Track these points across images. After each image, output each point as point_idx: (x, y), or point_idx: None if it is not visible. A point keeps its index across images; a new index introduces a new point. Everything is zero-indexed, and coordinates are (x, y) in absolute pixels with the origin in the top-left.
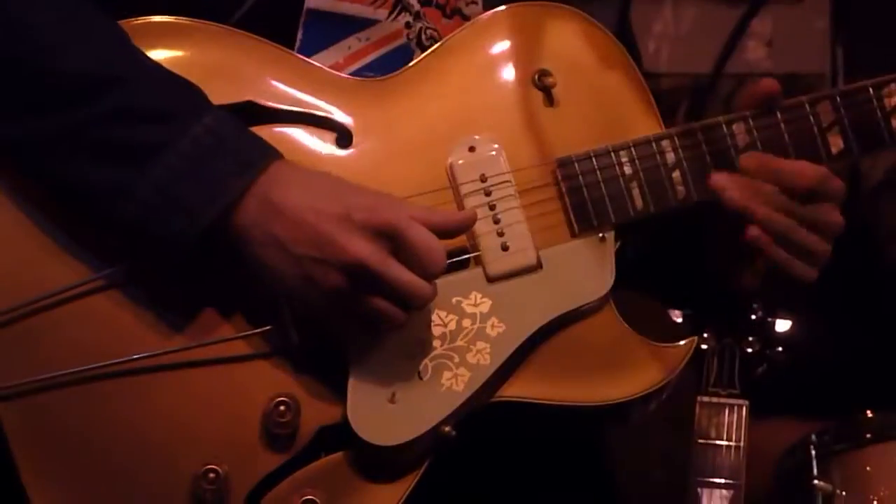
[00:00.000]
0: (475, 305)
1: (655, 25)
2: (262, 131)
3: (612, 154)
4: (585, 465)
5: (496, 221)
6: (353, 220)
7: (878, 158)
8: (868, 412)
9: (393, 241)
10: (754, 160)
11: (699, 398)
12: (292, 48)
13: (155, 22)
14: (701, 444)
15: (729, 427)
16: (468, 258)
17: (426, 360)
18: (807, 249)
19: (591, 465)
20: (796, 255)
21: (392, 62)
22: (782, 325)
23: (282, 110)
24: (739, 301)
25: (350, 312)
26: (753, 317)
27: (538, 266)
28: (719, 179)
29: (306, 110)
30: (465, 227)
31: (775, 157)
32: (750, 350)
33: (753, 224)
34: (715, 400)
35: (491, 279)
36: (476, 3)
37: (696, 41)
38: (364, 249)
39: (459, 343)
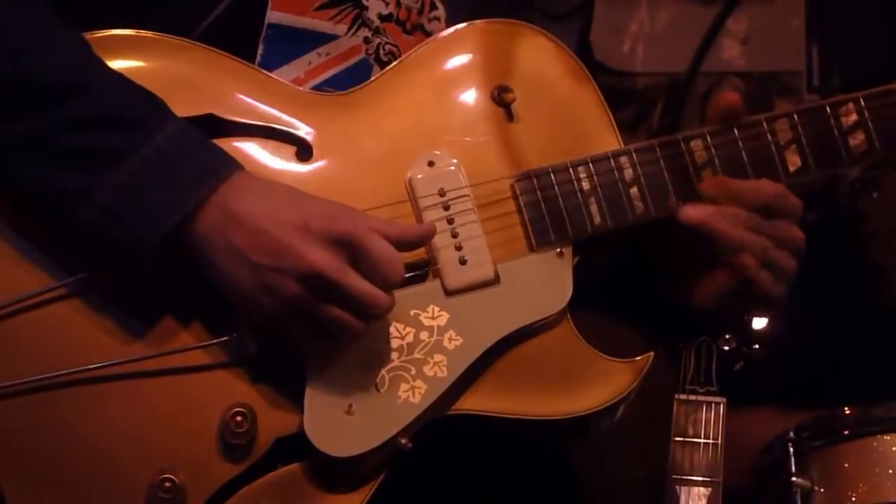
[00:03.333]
0: (433, 318)
1: (631, 25)
2: (223, 144)
3: (571, 169)
4: (552, 474)
5: (454, 235)
6: (310, 230)
7: None
8: (846, 409)
9: (351, 250)
10: (713, 185)
11: (676, 396)
12: (253, 63)
13: (117, 35)
14: (678, 441)
15: (706, 424)
16: (426, 271)
17: (383, 372)
18: (779, 267)
19: (558, 474)
20: (770, 275)
21: (351, 78)
22: (759, 322)
23: (242, 123)
24: (699, 321)
25: (308, 322)
26: None
27: (496, 280)
28: (692, 212)
29: (267, 123)
30: (424, 239)
31: (733, 179)
32: (727, 347)
33: (731, 249)
34: (692, 398)
35: (449, 292)
36: (439, 20)
37: (671, 40)
38: (321, 258)
39: (417, 355)
